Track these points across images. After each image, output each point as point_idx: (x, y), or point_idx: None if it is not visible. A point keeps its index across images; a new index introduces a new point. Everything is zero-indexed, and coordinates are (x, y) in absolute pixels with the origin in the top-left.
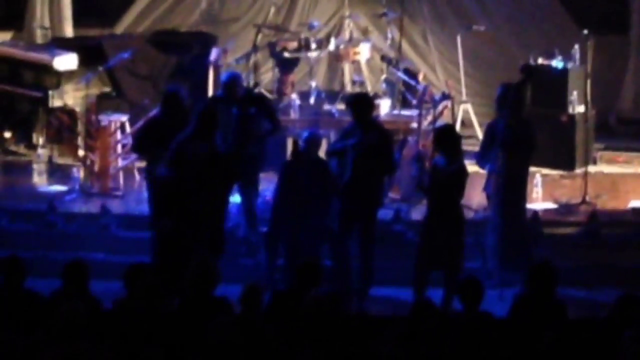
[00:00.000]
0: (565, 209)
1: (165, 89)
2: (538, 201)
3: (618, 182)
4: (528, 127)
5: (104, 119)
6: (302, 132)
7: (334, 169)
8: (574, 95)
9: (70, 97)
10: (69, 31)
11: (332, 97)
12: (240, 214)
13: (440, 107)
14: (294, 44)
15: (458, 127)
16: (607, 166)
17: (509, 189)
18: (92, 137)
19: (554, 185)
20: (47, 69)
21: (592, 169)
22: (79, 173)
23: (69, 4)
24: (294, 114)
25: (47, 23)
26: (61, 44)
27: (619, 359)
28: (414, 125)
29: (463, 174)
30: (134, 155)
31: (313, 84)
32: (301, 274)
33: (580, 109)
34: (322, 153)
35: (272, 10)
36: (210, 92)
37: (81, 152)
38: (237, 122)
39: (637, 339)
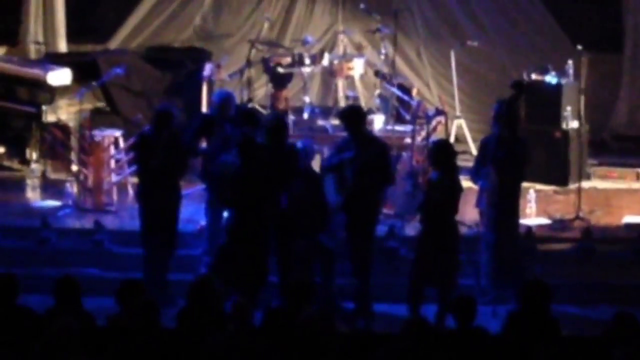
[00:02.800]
0: (559, 224)
1: (157, 108)
2: (532, 216)
3: (611, 198)
4: (521, 143)
5: (98, 134)
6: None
7: (331, 184)
8: (568, 110)
9: (63, 112)
10: (62, 47)
11: (325, 112)
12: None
13: (433, 123)
14: (287, 60)
15: (451, 142)
16: (600, 182)
17: (501, 205)
18: (85, 152)
19: (548, 200)
20: (41, 84)
21: (585, 184)
22: (73, 188)
23: (63, 20)
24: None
25: (41, 38)
26: (55, 60)
27: None
28: (408, 140)
29: (457, 190)
30: (127, 171)
31: (307, 99)
32: (294, 291)
33: (574, 124)
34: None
35: (266, 25)
36: (204, 108)
37: (75, 168)
38: (230, 139)
39: (627, 357)
